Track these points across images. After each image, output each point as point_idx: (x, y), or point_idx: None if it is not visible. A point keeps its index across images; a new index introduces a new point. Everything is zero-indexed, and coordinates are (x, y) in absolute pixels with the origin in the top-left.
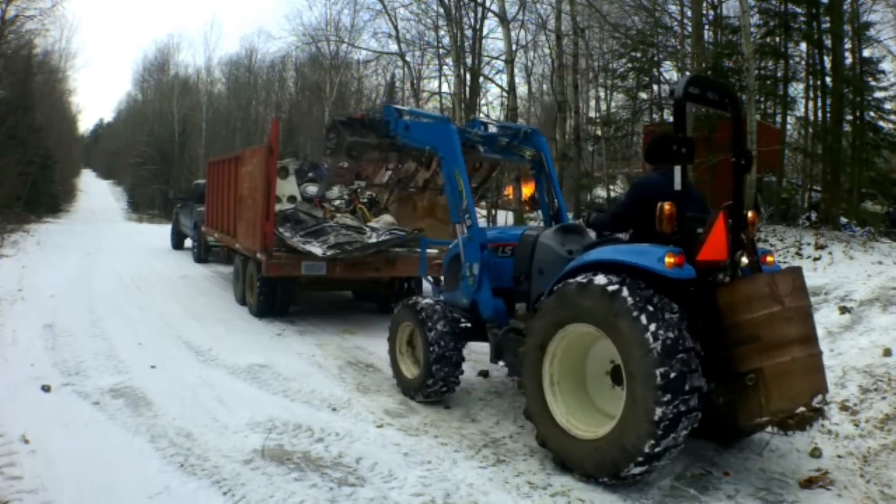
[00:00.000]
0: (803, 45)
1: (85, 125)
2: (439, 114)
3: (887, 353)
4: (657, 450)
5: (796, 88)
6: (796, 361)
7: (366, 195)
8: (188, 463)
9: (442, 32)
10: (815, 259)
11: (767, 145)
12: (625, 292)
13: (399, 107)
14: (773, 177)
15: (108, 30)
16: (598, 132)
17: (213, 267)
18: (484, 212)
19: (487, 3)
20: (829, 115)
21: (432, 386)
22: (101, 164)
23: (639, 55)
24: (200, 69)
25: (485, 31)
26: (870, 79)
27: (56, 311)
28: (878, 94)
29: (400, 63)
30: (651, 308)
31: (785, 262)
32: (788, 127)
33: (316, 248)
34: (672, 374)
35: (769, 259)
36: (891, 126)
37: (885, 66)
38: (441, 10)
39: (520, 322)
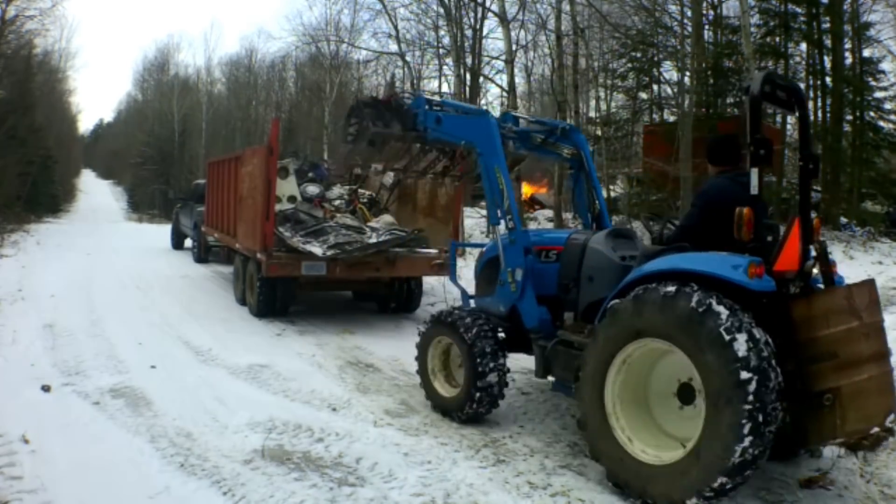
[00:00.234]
0: (803, 45)
1: (85, 125)
2: (475, 105)
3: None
4: (736, 478)
5: None
6: (872, 380)
7: (366, 195)
8: (188, 463)
9: (442, 32)
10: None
11: None
12: (717, 308)
13: (431, 97)
14: (773, 177)
15: (108, 30)
16: (598, 132)
17: (213, 267)
18: (483, 212)
19: (487, 3)
20: (829, 115)
21: (477, 405)
22: (101, 164)
23: (639, 55)
24: (200, 69)
25: (485, 31)
26: (870, 79)
27: (56, 311)
28: (878, 94)
29: (400, 63)
30: (744, 327)
31: None
32: (788, 127)
33: (316, 248)
34: (762, 397)
35: (833, 269)
36: (891, 126)
37: (885, 66)
38: (441, 10)
39: (571, 333)
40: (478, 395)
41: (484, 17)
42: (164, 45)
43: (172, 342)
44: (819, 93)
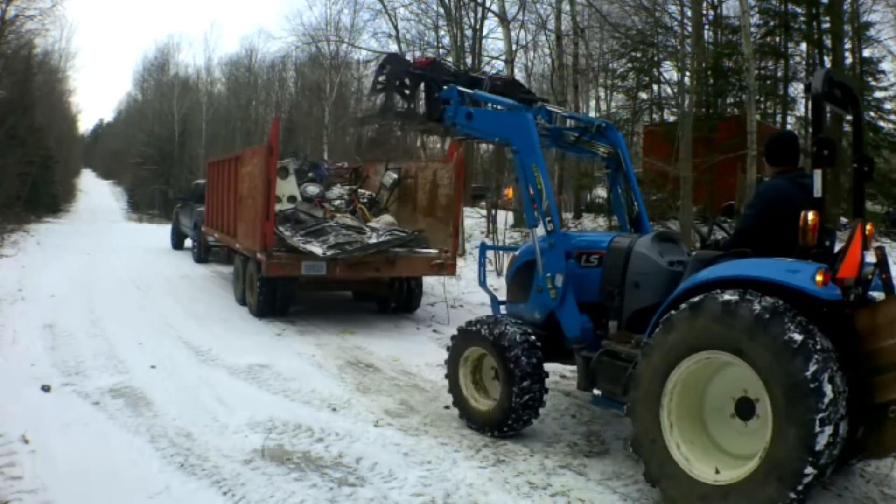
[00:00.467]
0: (803, 45)
1: (85, 125)
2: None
3: None
4: (803, 495)
5: (796, 88)
6: None
7: (366, 195)
8: (188, 463)
9: (442, 32)
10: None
11: None
12: (785, 318)
13: (464, 88)
14: None
15: (108, 30)
16: None
17: (213, 267)
18: (483, 212)
19: (487, 3)
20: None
21: (516, 418)
22: (101, 164)
23: (639, 55)
24: (200, 69)
25: (485, 31)
26: (870, 79)
27: (56, 311)
28: (878, 94)
29: None
30: (813, 337)
31: None
32: (788, 127)
33: (316, 248)
34: (831, 410)
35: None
36: (891, 126)
37: (885, 66)
38: (441, 10)
39: (617, 344)
40: (516, 409)
41: (484, 17)
42: (164, 45)
43: (172, 342)
44: None
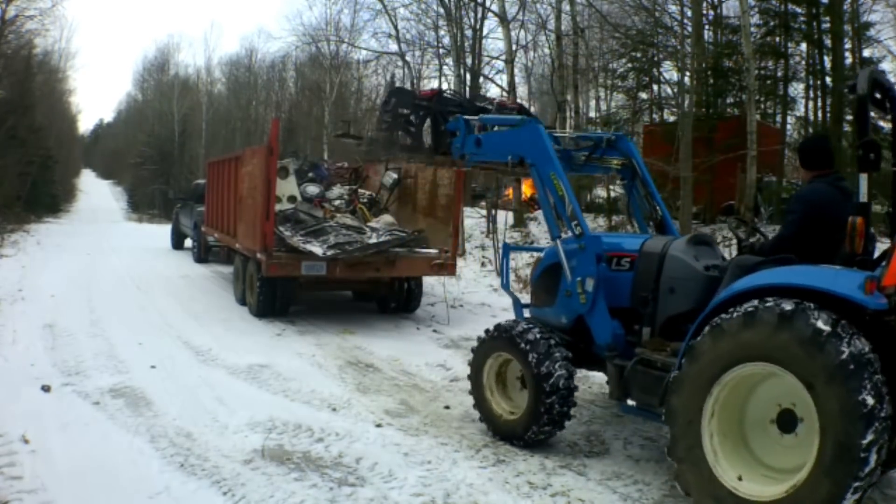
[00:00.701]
0: (803, 45)
1: (85, 125)
2: (516, 115)
3: None
4: None
5: (796, 88)
6: None
7: (366, 195)
8: (188, 463)
9: (442, 32)
10: None
11: (767, 145)
12: (839, 330)
13: (470, 117)
14: (773, 177)
15: (108, 30)
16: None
17: (213, 267)
18: (483, 212)
19: (487, 3)
20: (829, 115)
21: (543, 427)
22: (101, 164)
23: (639, 55)
24: (200, 69)
25: (485, 31)
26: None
27: (56, 311)
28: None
29: (400, 63)
30: (864, 349)
31: None
32: (788, 127)
33: (316, 248)
34: (881, 424)
35: None
36: (891, 126)
37: (885, 66)
38: (441, 10)
39: (652, 352)
40: (544, 418)
41: (484, 17)
42: (164, 45)
43: (172, 342)
44: (819, 93)
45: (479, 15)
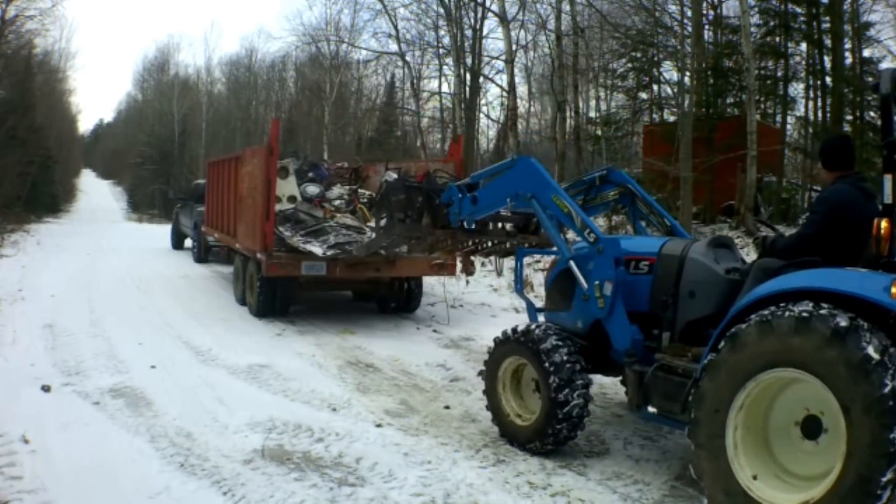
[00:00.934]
0: (803, 45)
1: (85, 125)
2: (505, 160)
3: None
4: None
5: (796, 88)
6: None
7: (366, 195)
8: (188, 463)
9: (442, 32)
10: None
11: (767, 145)
12: (863, 333)
13: (460, 181)
14: (773, 177)
15: (108, 30)
16: (598, 132)
17: (213, 267)
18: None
19: (487, 3)
20: (829, 115)
21: (557, 433)
22: (101, 164)
23: (639, 55)
24: (200, 69)
25: (485, 31)
26: (870, 79)
27: (56, 311)
28: None
29: (400, 63)
30: (890, 352)
31: None
32: (788, 127)
33: (316, 248)
34: None
35: None
36: None
37: (885, 65)
38: (441, 10)
39: (672, 357)
40: (558, 425)
41: (484, 17)
42: (164, 45)
43: (172, 342)
44: (819, 93)
45: (479, 15)
